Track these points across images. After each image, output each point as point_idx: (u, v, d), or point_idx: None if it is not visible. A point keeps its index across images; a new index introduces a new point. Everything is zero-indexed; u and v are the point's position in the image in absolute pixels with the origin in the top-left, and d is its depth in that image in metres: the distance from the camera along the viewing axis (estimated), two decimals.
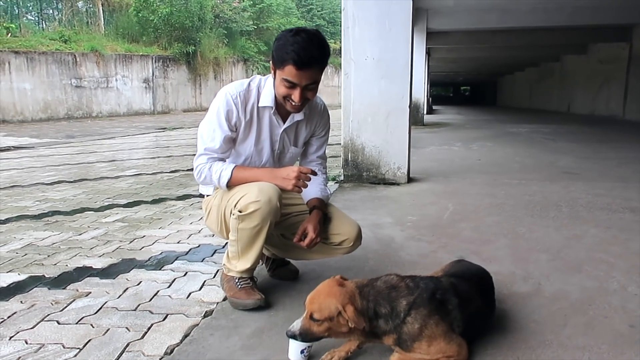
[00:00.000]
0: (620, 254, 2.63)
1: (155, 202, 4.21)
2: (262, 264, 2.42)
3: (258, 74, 2.39)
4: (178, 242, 3.00)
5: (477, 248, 2.76)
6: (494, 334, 1.75)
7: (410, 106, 4.65)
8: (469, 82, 50.42)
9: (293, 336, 1.55)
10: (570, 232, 3.03)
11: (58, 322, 1.94)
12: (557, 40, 15.32)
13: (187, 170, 6.00)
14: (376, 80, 4.55)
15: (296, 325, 1.54)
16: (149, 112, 21.35)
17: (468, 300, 1.64)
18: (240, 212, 1.91)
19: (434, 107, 25.12)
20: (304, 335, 1.54)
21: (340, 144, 4.94)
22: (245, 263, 2.03)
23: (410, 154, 4.80)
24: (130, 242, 3.03)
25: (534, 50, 18.91)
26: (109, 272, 2.49)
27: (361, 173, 4.80)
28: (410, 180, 4.77)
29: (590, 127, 12.59)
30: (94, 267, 2.58)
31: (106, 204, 4.15)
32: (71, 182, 5.18)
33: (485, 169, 5.66)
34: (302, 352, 1.61)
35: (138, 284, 2.33)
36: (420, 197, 4.17)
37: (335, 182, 4.85)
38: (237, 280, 2.09)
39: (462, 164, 6.14)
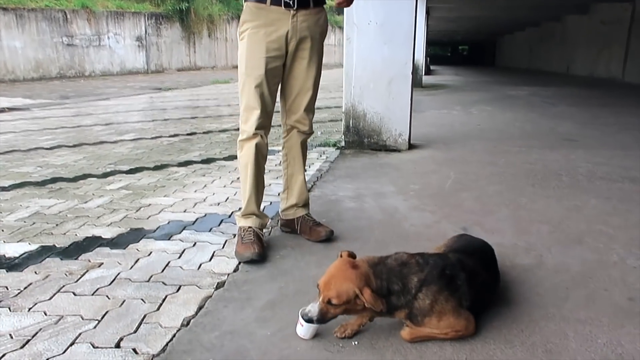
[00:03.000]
0: (620, 225, 2.69)
1: (157, 168, 4.22)
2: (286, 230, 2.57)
3: None
4: (184, 211, 3.03)
5: (480, 219, 2.81)
6: (498, 307, 1.81)
7: (413, 73, 4.60)
8: (468, 42, 49.62)
9: (310, 320, 1.57)
10: (571, 203, 3.08)
11: (74, 294, 1.99)
12: None
13: (187, 134, 5.98)
14: (379, 46, 4.49)
15: (313, 310, 1.56)
16: (143, 71, 20.99)
17: (475, 275, 1.69)
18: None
19: (432, 68, 24.82)
20: (321, 319, 1.57)
21: (341, 108, 4.91)
22: (245, 207, 2.30)
23: (412, 120, 4.79)
24: (137, 210, 3.05)
25: (536, 9, 18.54)
26: (118, 242, 2.53)
27: (362, 139, 4.80)
28: (411, 147, 4.78)
29: (590, 90, 12.53)
30: (103, 236, 2.62)
31: (108, 170, 4.15)
32: (70, 146, 5.15)
33: (485, 135, 5.67)
34: (313, 330, 1.65)
35: (149, 255, 2.37)
36: (421, 165, 4.20)
37: (337, 149, 4.86)
38: (242, 233, 2.31)
39: (462, 129, 6.14)
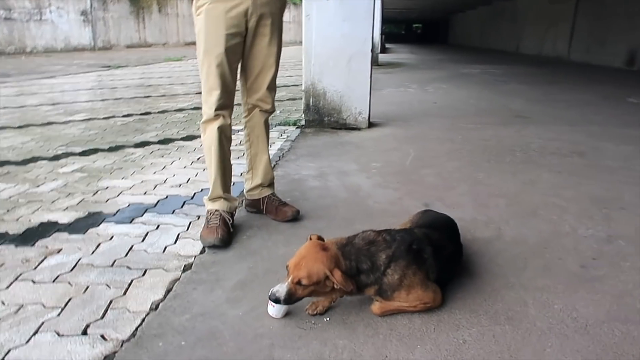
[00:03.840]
0: (571, 197, 2.83)
1: (112, 150, 4.07)
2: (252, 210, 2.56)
3: None
4: (144, 194, 2.95)
5: (441, 194, 2.88)
6: (462, 278, 1.88)
7: (372, 50, 4.61)
8: (422, 20, 50.05)
9: (277, 300, 1.56)
10: (526, 177, 3.21)
11: (33, 282, 1.91)
12: None
13: (141, 114, 5.79)
14: (339, 23, 4.46)
15: (281, 290, 1.55)
16: (89, 47, 20.04)
17: (440, 249, 1.74)
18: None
19: (387, 46, 24.94)
20: (288, 300, 1.56)
21: (299, 87, 4.88)
22: (212, 191, 2.29)
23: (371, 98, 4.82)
24: (94, 194, 2.95)
25: None
26: (77, 227, 2.44)
27: (322, 118, 4.80)
28: (371, 125, 4.82)
29: (539, 68, 12.97)
30: (59, 221, 2.52)
31: (60, 152, 3.98)
32: (16, 127, 4.89)
33: (442, 113, 5.79)
34: (283, 310, 1.66)
35: (110, 239, 2.30)
36: (382, 143, 4.25)
37: (297, 127, 4.84)
38: (209, 217, 2.28)
39: (420, 107, 6.24)
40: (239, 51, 2.20)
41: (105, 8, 20.58)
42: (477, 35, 28.95)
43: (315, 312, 1.66)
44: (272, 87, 2.34)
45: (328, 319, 1.65)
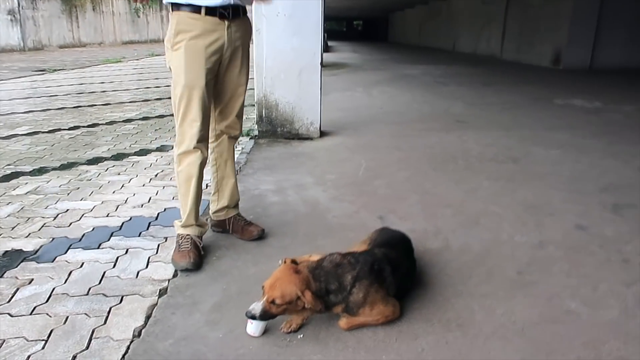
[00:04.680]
0: (508, 205, 3.15)
1: (64, 167, 4.04)
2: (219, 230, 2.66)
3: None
4: (107, 216, 3.00)
5: (393, 206, 3.12)
6: (417, 290, 2.11)
7: (321, 63, 4.80)
8: (363, 17, 50.86)
9: (253, 317, 1.74)
10: (468, 185, 3.52)
11: (10, 315, 1.96)
12: None
13: (88, 126, 5.70)
14: (288, 37, 4.61)
15: (256, 308, 1.73)
16: (19, 48, 19.05)
17: (398, 266, 1.96)
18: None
19: (330, 44, 25.23)
20: (263, 317, 1.75)
21: (248, 98, 5.00)
22: (185, 219, 2.36)
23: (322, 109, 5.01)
24: (54, 217, 2.96)
25: None
26: (44, 255, 2.47)
27: (275, 129, 4.95)
28: (322, 134, 5.02)
29: (474, 67, 13.66)
30: (24, 249, 2.54)
31: (9, 171, 3.90)
32: None
33: (388, 119, 6.07)
34: (260, 328, 1.82)
35: (81, 266, 2.36)
36: (334, 153, 4.45)
37: (250, 138, 4.96)
38: (180, 241, 2.37)
39: (367, 113, 6.51)
40: (212, 84, 2.31)
41: (34, 7, 19.61)
42: (416, 33, 29.87)
43: (289, 330, 1.84)
44: (240, 114, 2.47)
45: (302, 335, 1.83)
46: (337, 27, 57.82)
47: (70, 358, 1.71)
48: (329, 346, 1.77)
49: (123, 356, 1.72)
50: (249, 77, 2.50)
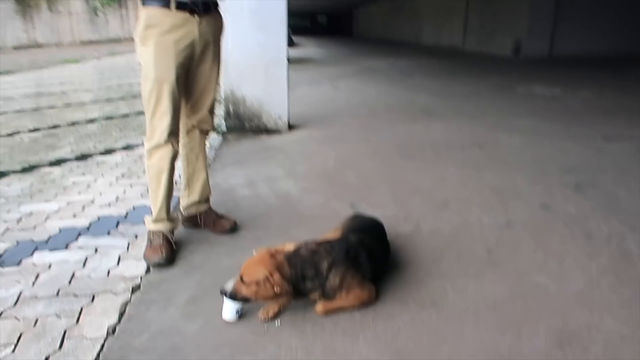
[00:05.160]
0: (476, 189, 3.22)
1: (26, 170, 3.91)
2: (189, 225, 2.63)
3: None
4: (74, 217, 2.92)
5: (364, 195, 3.15)
6: (391, 273, 2.14)
7: (287, 57, 4.79)
8: (327, 13, 50.90)
9: (224, 293, 1.78)
10: (436, 173, 3.58)
11: None
12: None
13: (50, 127, 5.53)
14: (253, 32, 4.59)
15: (229, 285, 1.78)
16: None
17: (373, 251, 1.99)
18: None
19: (294, 39, 25.15)
20: (233, 295, 1.77)
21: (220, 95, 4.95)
22: (156, 215, 2.33)
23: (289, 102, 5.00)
24: (18, 221, 2.87)
25: None
26: (9, 259, 2.39)
27: (243, 123, 4.92)
28: (290, 127, 5.02)
29: (438, 59, 13.88)
30: None
31: None
32: None
33: (356, 111, 6.12)
34: (236, 311, 1.84)
35: (49, 268, 2.30)
36: (303, 146, 4.46)
37: (218, 133, 4.91)
38: (152, 237, 2.34)
39: (334, 106, 6.53)
40: (183, 78, 2.28)
41: None
42: (380, 27, 30.14)
43: (266, 318, 1.84)
44: (212, 109, 2.44)
45: (279, 323, 1.83)
46: (302, 22, 57.58)
47: (43, 359, 1.67)
48: (307, 331, 1.78)
49: (98, 354, 1.69)
50: (220, 72, 2.48)
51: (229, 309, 1.83)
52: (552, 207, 2.89)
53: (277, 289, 1.73)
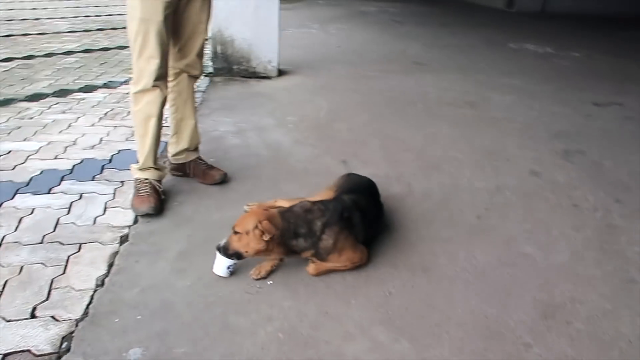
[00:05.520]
0: (467, 150, 3.21)
1: (1, 104, 3.72)
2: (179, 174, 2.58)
3: None
4: (55, 158, 2.82)
5: (356, 151, 3.11)
6: (383, 235, 2.15)
7: None
8: None
9: (218, 249, 1.76)
10: (428, 130, 3.54)
11: None
12: None
13: (24, 57, 5.23)
14: None
15: (222, 242, 1.76)
16: None
17: (366, 213, 1.98)
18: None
19: None
20: (226, 248, 1.75)
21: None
22: (143, 162, 2.26)
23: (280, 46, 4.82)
24: None
25: None
26: None
27: (231, 66, 4.74)
28: (280, 73, 4.86)
29: (431, 6, 13.47)
30: None
31: None
32: None
33: (346, 58, 5.95)
34: (228, 267, 1.83)
35: (32, 213, 2.23)
36: (294, 94, 4.34)
37: (205, 76, 4.73)
38: (138, 185, 2.29)
39: (325, 52, 6.33)
40: (172, 18, 2.14)
41: None
42: None
43: (259, 277, 1.84)
44: (201, 54, 2.33)
45: (271, 282, 1.83)
46: None
47: (30, 309, 1.64)
48: (299, 292, 1.79)
49: (87, 306, 1.67)
50: (211, 16, 2.34)
51: (222, 264, 1.81)
52: (541, 174, 2.90)
53: (265, 237, 1.70)
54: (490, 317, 1.71)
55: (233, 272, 1.84)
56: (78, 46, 5.95)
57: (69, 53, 5.58)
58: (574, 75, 5.79)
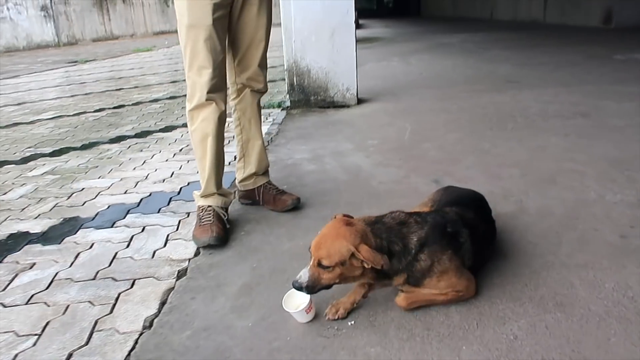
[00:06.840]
0: (587, 161, 2.64)
1: (85, 147, 3.76)
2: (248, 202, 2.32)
3: None
4: (125, 193, 2.67)
5: (448, 168, 2.67)
6: (494, 260, 1.68)
7: (356, 21, 4.34)
8: None
9: (300, 288, 1.35)
10: (533, 143, 3.01)
11: (3, 305, 1.65)
12: None
13: (114, 107, 5.44)
14: None
15: (303, 276, 1.35)
16: (53, 44, 19.25)
17: (476, 229, 1.53)
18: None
19: (360, 22, 24.51)
20: (312, 287, 1.35)
21: (278, 68, 4.59)
22: (205, 188, 2.02)
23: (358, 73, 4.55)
24: (68, 197, 2.66)
25: None
26: (51, 236, 2.17)
27: (308, 97, 4.53)
28: (359, 101, 4.57)
29: (516, 33, 12.78)
30: (31, 231, 2.24)
31: (28, 154, 3.65)
32: None
33: (430, 83, 5.55)
34: (304, 309, 1.43)
35: (90, 247, 2.04)
36: (374, 119, 4.01)
37: (282, 109, 4.57)
38: (201, 214, 2.02)
39: (406, 79, 6.00)
40: (226, 24, 1.92)
41: (66, 2, 19.75)
42: (450, 5, 28.64)
43: (336, 317, 1.44)
44: (263, 64, 2.07)
45: (353, 322, 1.43)
46: (368, 6, 56.47)
47: (65, 356, 1.37)
48: (389, 335, 1.36)
49: (129, 353, 1.37)
50: (272, 22, 2.09)
51: (298, 301, 1.43)
52: None
53: (367, 265, 1.31)
54: None
55: (314, 312, 1.44)
56: (164, 94, 6.14)
57: (155, 101, 5.74)
58: None
